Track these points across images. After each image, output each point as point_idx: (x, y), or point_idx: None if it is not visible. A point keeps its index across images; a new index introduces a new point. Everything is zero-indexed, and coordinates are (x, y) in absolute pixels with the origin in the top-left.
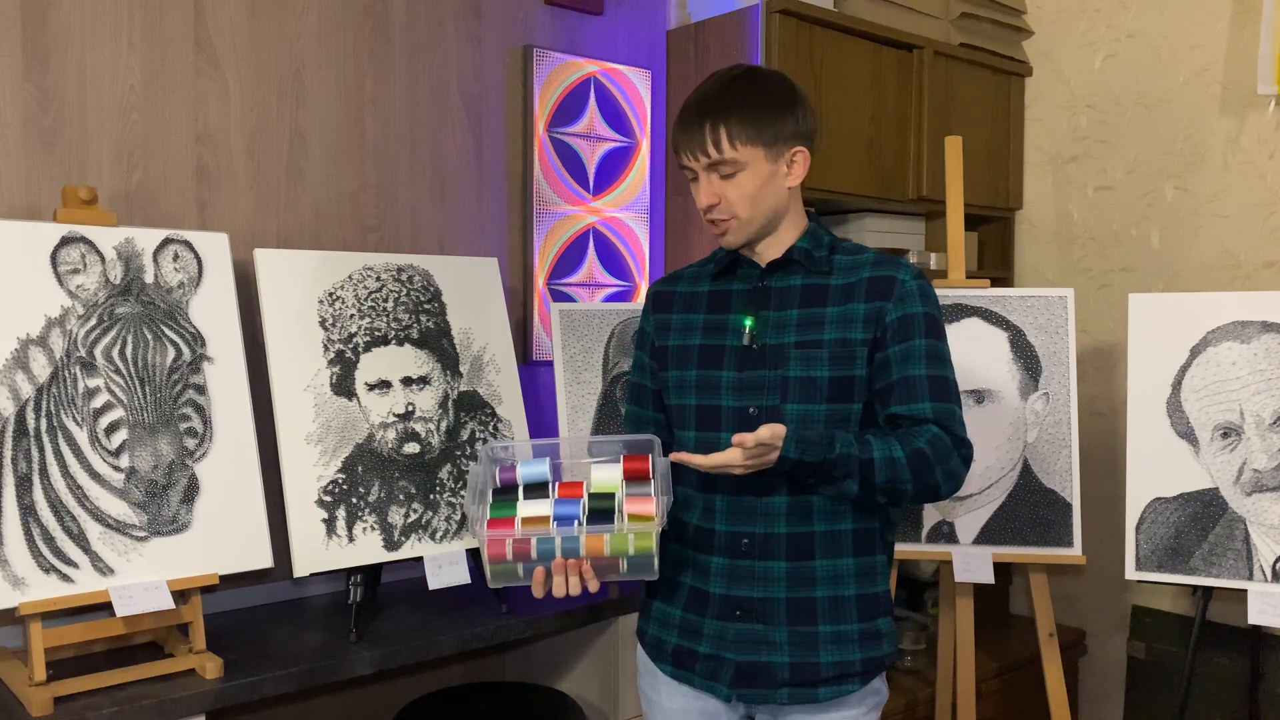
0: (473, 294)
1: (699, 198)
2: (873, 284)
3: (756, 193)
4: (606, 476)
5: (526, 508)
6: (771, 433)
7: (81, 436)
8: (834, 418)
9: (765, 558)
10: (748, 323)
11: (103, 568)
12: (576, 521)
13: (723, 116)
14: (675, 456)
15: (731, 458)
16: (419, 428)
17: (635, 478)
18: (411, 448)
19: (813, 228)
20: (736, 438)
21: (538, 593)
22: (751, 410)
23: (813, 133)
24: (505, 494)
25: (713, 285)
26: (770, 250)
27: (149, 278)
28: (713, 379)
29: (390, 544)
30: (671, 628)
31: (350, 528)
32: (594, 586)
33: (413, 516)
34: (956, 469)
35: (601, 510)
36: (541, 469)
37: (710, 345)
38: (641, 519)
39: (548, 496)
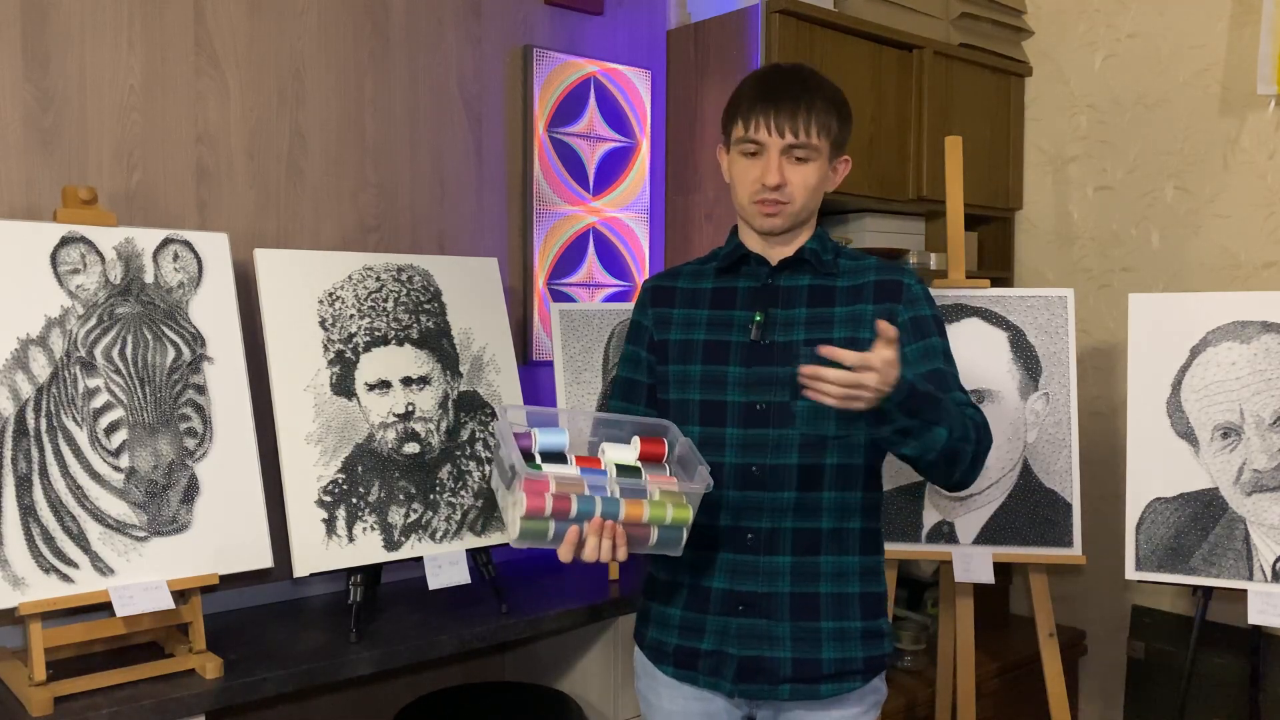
0: (473, 294)
1: (765, 175)
2: (880, 286)
3: (816, 185)
4: (623, 455)
5: (552, 470)
6: (889, 356)
7: (81, 436)
8: (844, 415)
9: (770, 553)
10: (758, 318)
11: (103, 568)
12: (610, 485)
13: (816, 104)
14: (824, 350)
15: (872, 359)
16: (419, 428)
17: (650, 460)
18: (411, 448)
19: (820, 231)
20: (879, 343)
21: (565, 555)
22: (759, 406)
23: None
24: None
25: (716, 282)
26: (783, 248)
27: (149, 278)
28: (718, 374)
29: (390, 544)
30: (671, 629)
31: (350, 528)
32: (623, 555)
33: (413, 516)
34: (984, 455)
35: (630, 481)
36: (560, 439)
37: (715, 341)
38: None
39: (566, 465)
